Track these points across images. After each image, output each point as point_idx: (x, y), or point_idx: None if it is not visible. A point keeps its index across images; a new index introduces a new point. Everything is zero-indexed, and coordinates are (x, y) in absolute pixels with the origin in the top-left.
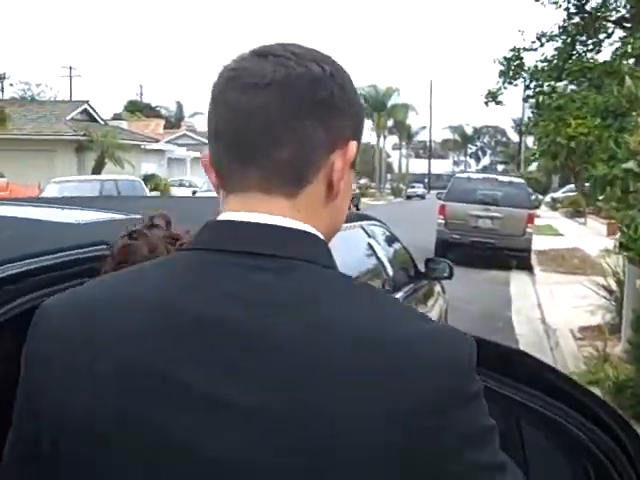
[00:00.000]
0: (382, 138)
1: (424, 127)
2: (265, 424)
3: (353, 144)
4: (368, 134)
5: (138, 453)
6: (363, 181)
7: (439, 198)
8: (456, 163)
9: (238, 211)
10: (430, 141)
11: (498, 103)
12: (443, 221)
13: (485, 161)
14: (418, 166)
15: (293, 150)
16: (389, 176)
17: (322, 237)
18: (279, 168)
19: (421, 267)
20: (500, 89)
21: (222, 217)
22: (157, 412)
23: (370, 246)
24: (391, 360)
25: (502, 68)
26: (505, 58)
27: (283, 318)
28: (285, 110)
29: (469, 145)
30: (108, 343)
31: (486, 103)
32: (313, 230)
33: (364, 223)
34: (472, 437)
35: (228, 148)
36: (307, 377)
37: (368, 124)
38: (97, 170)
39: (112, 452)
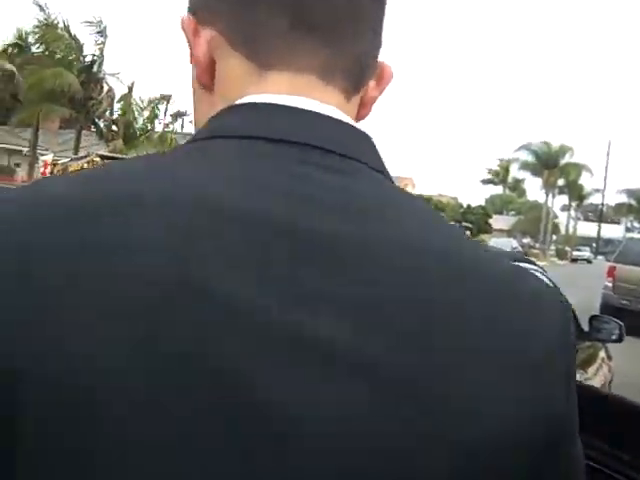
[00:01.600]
0: (550, 197)
1: (597, 190)
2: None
3: (390, 69)
4: (536, 192)
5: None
6: (526, 240)
7: (608, 260)
8: (629, 229)
9: (288, 94)
10: (602, 204)
11: None
12: (611, 284)
13: None
14: (586, 229)
15: (368, 38)
16: (554, 237)
17: None
18: (352, 53)
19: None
20: None
21: (262, 98)
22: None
23: None
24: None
25: None
26: None
27: (379, 226)
28: None
29: None
30: (128, 252)
31: None
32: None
33: (520, 266)
34: (576, 410)
35: (295, 10)
36: (430, 319)
37: (536, 182)
38: None
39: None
